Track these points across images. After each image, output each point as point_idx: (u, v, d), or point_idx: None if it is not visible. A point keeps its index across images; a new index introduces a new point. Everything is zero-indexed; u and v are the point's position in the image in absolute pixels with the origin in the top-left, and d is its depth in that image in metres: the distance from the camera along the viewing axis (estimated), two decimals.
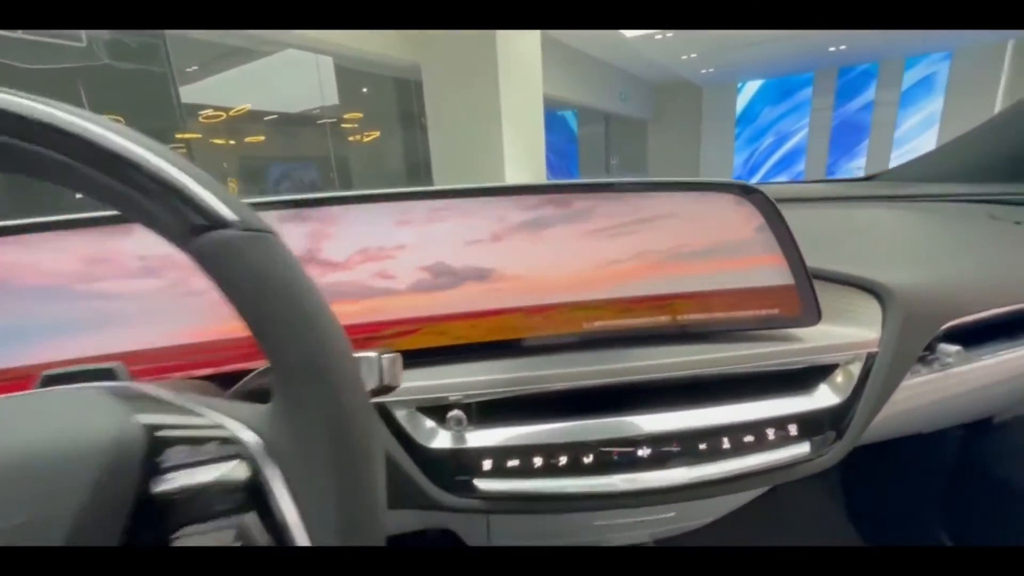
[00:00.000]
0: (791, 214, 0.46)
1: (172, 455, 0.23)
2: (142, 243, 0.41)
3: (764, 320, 0.47)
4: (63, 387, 0.28)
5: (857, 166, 8.99)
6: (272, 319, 0.23)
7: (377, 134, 6.66)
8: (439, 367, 0.45)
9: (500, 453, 0.44)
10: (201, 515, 0.24)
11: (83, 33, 4.00)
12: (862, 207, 0.83)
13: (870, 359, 0.47)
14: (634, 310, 0.47)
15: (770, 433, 0.45)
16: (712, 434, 0.45)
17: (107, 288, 0.41)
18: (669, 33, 6.24)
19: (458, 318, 0.46)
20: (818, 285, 0.47)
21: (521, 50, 4.05)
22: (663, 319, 0.47)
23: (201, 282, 0.23)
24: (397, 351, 0.44)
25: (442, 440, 0.44)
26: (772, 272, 0.46)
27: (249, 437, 0.24)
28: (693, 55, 7.51)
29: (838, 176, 8.98)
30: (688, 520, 0.59)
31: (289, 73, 5.83)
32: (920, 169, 0.94)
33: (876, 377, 0.47)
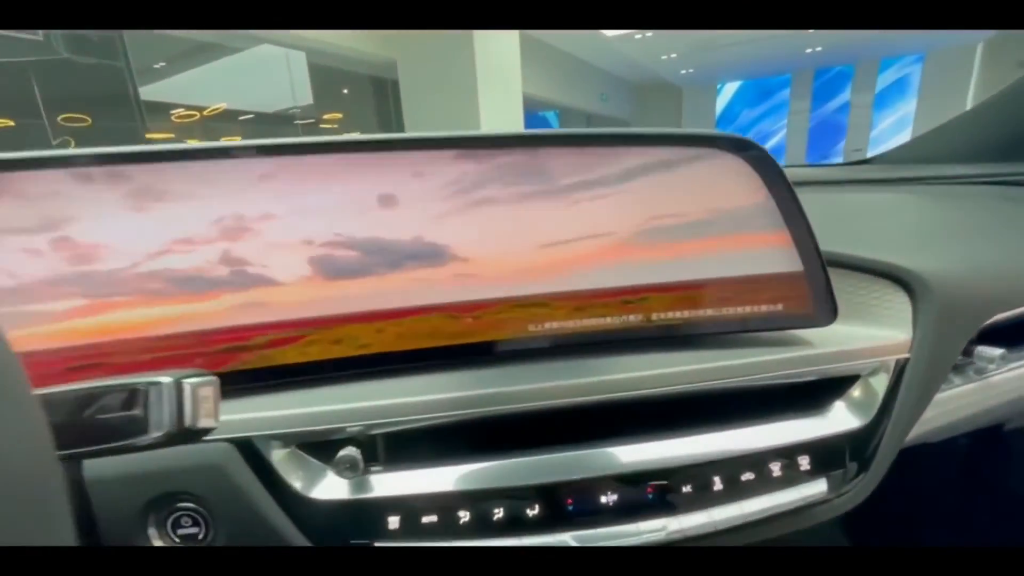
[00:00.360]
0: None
1: None
2: None
3: (765, 319, 0.36)
4: None
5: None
6: None
7: (357, 135, 6.49)
8: (331, 388, 0.33)
9: (413, 505, 0.32)
10: None
11: None
12: (862, 191, 0.73)
13: (899, 368, 0.37)
14: (595, 307, 0.35)
15: (774, 468, 0.34)
16: (697, 472, 0.33)
17: None
18: (649, 33, 6.21)
19: (359, 320, 0.34)
20: (832, 273, 0.36)
21: (499, 47, 3.95)
22: (633, 319, 0.35)
23: None
24: (263, 367, 0.32)
25: (333, 489, 0.32)
26: (775, 256, 0.35)
27: None
28: (673, 55, 7.50)
29: None
30: None
31: (261, 70, 5.66)
32: (920, 150, 0.85)
33: (908, 391, 0.36)
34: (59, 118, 4.25)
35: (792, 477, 0.34)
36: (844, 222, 0.56)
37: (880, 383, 0.36)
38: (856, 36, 6.95)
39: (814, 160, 9.29)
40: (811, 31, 6.55)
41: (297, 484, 0.31)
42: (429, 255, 0.33)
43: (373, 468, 0.33)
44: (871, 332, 0.37)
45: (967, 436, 0.71)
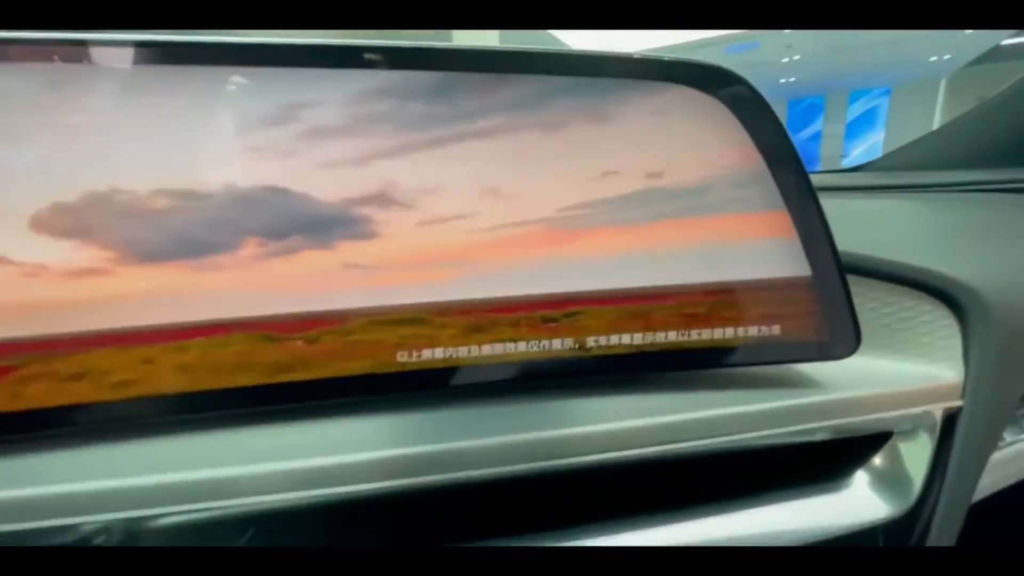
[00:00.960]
0: None
1: None
2: None
3: (754, 349, 0.24)
4: None
5: None
6: None
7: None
8: (64, 452, 0.20)
9: None
10: None
11: None
12: (854, 198, 0.64)
13: (949, 420, 0.25)
14: (499, 327, 0.23)
15: None
16: None
17: None
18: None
19: (113, 342, 0.21)
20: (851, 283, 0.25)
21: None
22: (557, 346, 0.23)
23: None
24: None
25: None
26: (768, 253, 0.23)
27: None
28: None
29: None
30: None
31: None
32: (913, 156, 0.76)
33: (962, 454, 0.24)
34: None
35: None
36: (848, 227, 0.45)
37: (922, 447, 0.25)
38: (826, 69, 7.20)
39: None
40: (785, 60, 6.75)
41: None
42: (253, 234, 0.21)
43: None
44: (906, 369, 0.25)
45: None
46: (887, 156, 0.79)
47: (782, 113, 9.28)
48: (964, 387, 0.25)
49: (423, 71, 0.21)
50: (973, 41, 6.00)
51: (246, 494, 0.19)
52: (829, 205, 0.24)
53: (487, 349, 0.23)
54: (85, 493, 0.18)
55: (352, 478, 0.20)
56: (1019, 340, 0.26)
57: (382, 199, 0.21)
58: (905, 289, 0.28)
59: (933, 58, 6.65)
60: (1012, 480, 0.31)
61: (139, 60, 0.19)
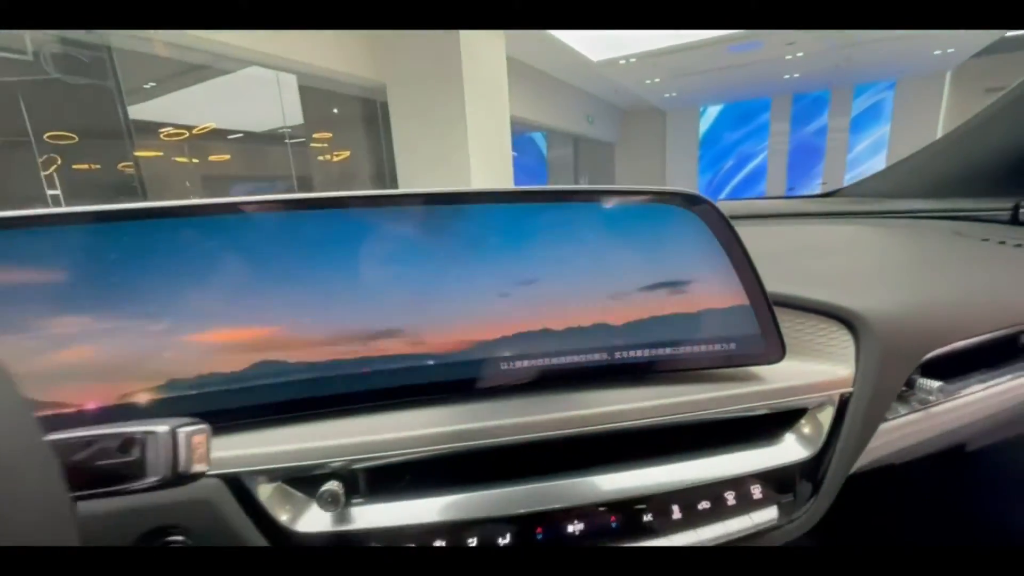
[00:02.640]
0: (748, 231, 0.39)
1: None
2: None
3: (718, 357, 0.39)
4: None
5: (815, 186, 9.36)
6: None
7: (346, 154, 6.55)
8: (314, 424, 0.35)
9: (398, 536, 0.34)
10: None
11: (29, 45, 3.83)
12: (823, 223, 0.78)
13: (844, 401, 0.40)
14: (560, 346, 0.38)
15: (728, 497, 0.37)
16: (656, 501, 0.36)
17: None
18: (632, 58, 6.39)
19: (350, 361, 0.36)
20: (781, 313, 0.40)
21: (486, 70, 4.04)
22: (595, 357, 0.38)
23: None
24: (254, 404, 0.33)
25: (316, 521, 0.34)
26: (725, 299, 0.39)
27: None
28: (657, 80, 7.71)
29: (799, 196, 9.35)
30: None
31: (252, 92, 5.71)
32: (881, 185, 0.91)
33: (852, 422, 0.39)
34: (45, 136, 4.24)
35: (745, 505, 0.37)
36: (802, 257, 0.60)
37: (826, 416, 0.40)
38: (830, 63, 7.22)
39: (794, 180, 9.53)
40: (788, 57, 6.81)
41: (283, 517, 0.33)
42: (421, 301, 0.36)
43: (355, 501, 0.35)
44: (817, 368, 0.40)
45: (930, 458, 0.74)
46: (858, 184, 0.93)
47: (787, 108, 9.32)
48: (855, 379, 0.40)
49: (532, 203, 0.36)
50: (978, 33, 6.03)
51: (407, 447, 0.34)
52: (798, 231, 0.38)
53: (551, 361, 0.38)
54: (327, 447, 0.34)
55: (470, 437, 0.35)
56: (891, 349, 0.41)
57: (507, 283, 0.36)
58: (819, 316, 0.43)
59: (938, 51, 6.68)
60: (904, 443, 0.45)
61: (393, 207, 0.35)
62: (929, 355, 0.44)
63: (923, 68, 7.46)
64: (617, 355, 0.38)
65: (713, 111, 10.06)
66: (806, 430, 0.40)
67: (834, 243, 0.67)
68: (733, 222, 0.38)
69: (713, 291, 0.38)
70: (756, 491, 0.37)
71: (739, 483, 0.37)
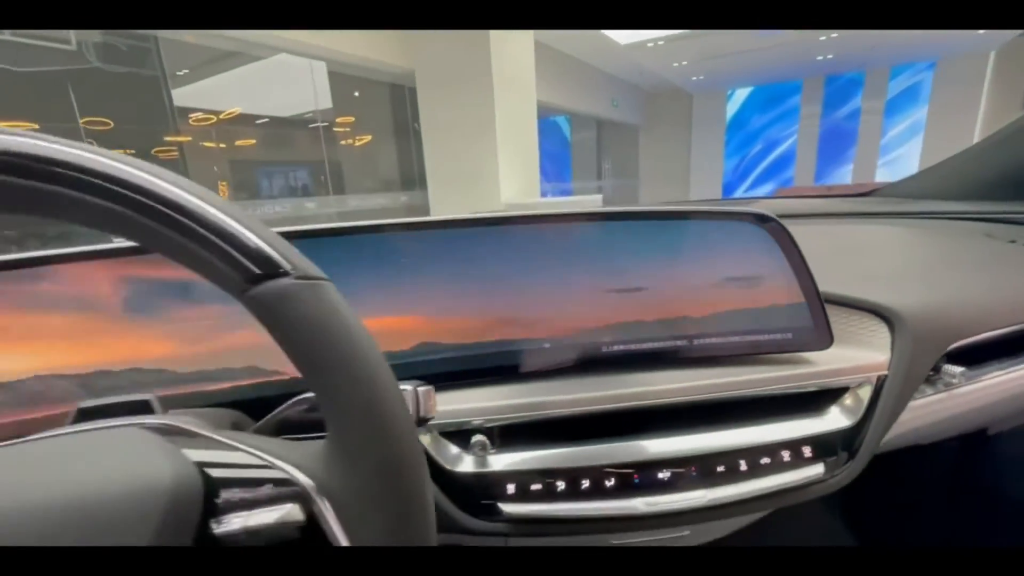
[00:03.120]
0: (795, 230, 0.48)
1: (228, 496, 0.24)
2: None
3: (778, 344, 0.49)
4: (106, 425, 0.28)
5: (846, 172, 9.15)
6: (327, 366, 0.23)
7: (369, 138, 6.64)
8: (459, 392, 0.46)
9: (523, 477, 0.44)
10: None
11: (72, 36, 3.97)
12: (862, 223, 0.85)
13: (880, 382, 0.49)
14: (652, 334, 0.48)
15: (784, 455, 0.47)
16: (728, 456, 0.46)
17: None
18: (660, 40, 6.30)
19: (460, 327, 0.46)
20: (829, 308, 0.49)
21: (515, 56, 4.07)
22: (680, 343, 0.48)
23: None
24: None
25: (466, 464, 0.44)
26: (786, 298, 0.48)
27: (304, 480, 0.24)
28: (684, 62, 7.59)
29: (827, 183, 9.12)
30: (701, 538, 0.60)
31: (282, 77, 5.82)
32: (918, 186, 0.97)
33: (886, 399, 0.48)
34: (82, 121, 4.44)
35: (797, 461, 0.47)
36: (845, 257, 0.68)
37: (865, 393, 0.49)
38: (867, 43, 6.99)
39: (824, 165, 9.32)
40: (823, 38, 6.62)
41: (443, 462, 0.44)
42: (530, 299, 0.46)
43: (493, 451, 0.45)
44: (858, 354, 0.49)
45: (957, 440, 0.82)
46: (894, 184, 1.00)
47: (818, 90, 9.07)
48: (889, 364, 0.49)
49: (622, 221, 0.46)
50: None
51: (534, 411, 0.44)
52: (839, 231, 0.47)
53: (646, 345, 0.48)
54: (476, 408, 0.44)
55: (577, 404, 0.45)
56: (920, 340, 0.49)
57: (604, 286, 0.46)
58: (862, 312, 0.52)
59: (982, 30, 6.44)
60: (929, 419, 0.54)
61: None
62: (954, 345, 0.52)
63: (965, 47, 7.17)
64: (696, 342, 0.48)
65: (741, 94, 9.86)
66: (848, 403, 0.49)
67: (872, 243, 0.75)
68: (787, 221, 0.47)
69: (775, 291, 0.48)
70: (807, 451, 0.47)
71: (793, 444, 0.47)
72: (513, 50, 4.02)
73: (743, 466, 0.46)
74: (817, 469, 0.47)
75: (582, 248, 0.47)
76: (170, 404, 0.36)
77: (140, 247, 0.26)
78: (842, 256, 0.69)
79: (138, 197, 0.22)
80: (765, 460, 0.46)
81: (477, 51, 3.80)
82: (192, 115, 5.37)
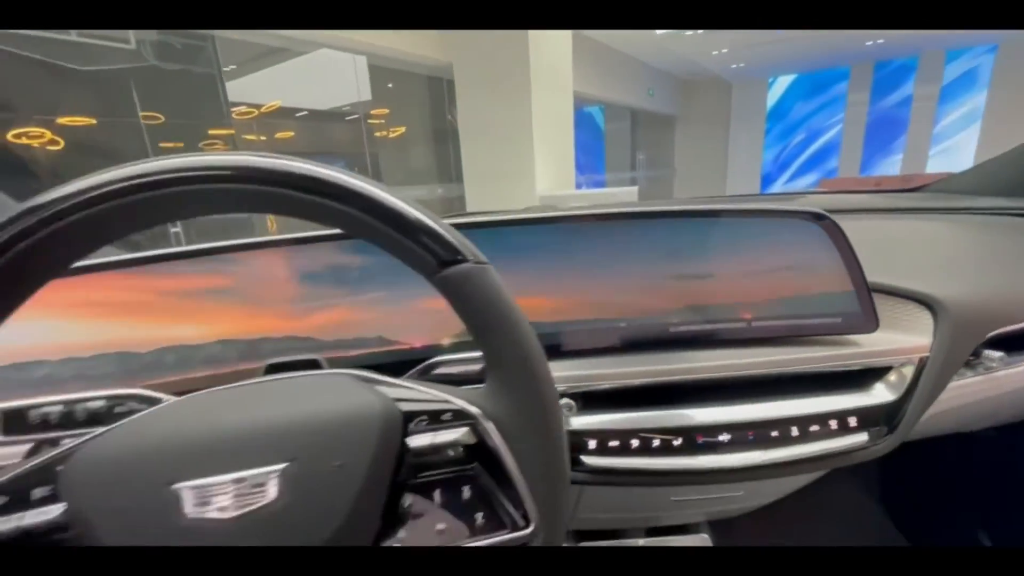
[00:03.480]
0: (845, 224, 0.54)
1: (419, 421, 0.33)
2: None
3: (828, 327, 0.55)
4: (322, 373, 0.37)
5: (893, 162, 8.78)
6: (495, 330, 0.32)
7: (403, 129, 6.77)
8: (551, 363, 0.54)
9: (602, 435, 0.52)
10: (441, 463, 0.33)
11: (132, 36, 4.19)
12: (910, 218, 0.89)
13: (922, 362, 0.55)
14: (714, 316, 0.55)
15: (832, 424, 0.53)
16: (782, 424, 0.53)
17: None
18: (700, 31, 6.19)
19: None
20: (877, 297, 0.55)
21: (553, 49, 4.10)
22: (739, 325, 0.55)
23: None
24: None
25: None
26: (836, 286, 0.54)
27: (474, 410, 0.33)
28: (724, 50, 7.42)
29: (874, 173, 8.76)
30: (753, 500, 0.67)
31: (325, 72, 5.99)
32: (970, 182, 0.99)
33: (927, 378, 0.54)
34: (140, 116, 4.73)
35: (844, 430, 0.53)
36: (892, 250, 0.73)
37: (908, 372, 0.55)
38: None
39: (871, 155, 8.96)
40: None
41: None
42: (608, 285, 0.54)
43: (578, 413, 0.53)
44: (902, 338, 0.55)
45: (996, 431, 0.86)
46: (942, 181, 1.02)
47: (867, 76, 8.70)
48: (931, 347, 0.55)
49: (682, 219, 0.53)
50: None
51: (613, 380, 0.52)
52: (888, 226, 0.53)
53: (711, 326, 0.55)
54: (564, 376, 0.52)
55: (650, 375, 0.52)
56: (960, 326, 0.55)
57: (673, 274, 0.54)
58: (908, 300, 0.58)
59: None
60: (967, 400, 0.59)
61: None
62: (994, 332, 0.57)
63: None
64: (753, 323, 0.55)
65: (783, 82, 9.55)
66: (892, 380, 0.55)
67: (920, 237, 0.80)
68: (835, 216, 0.53)
69: (827, 280, 0.54)
70: (852, 421, 0.53)
71: (840, 415, 0.53)
72: (551, 42, 4.05)
73: (794, 432, 0.52)
74: (861, 437, 0.53)
75: (650, 241, 0.54)
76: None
77: (345, 234, 0.34)
78: (891, 249, 0.74)
79: (367, 202, 0.30)
80: (815, 428, 0.53)
81: (515, 44, 3.84)
82: (235, 109, 5.60)
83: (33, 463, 0.29)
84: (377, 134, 6.60)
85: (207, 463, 0.28)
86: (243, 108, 5.53)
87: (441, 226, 0.31)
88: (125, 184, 0.26)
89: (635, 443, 0.52)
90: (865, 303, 0.54)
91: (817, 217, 0.53)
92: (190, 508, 0.27)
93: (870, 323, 0.55)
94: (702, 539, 0.78)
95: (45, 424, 0.40)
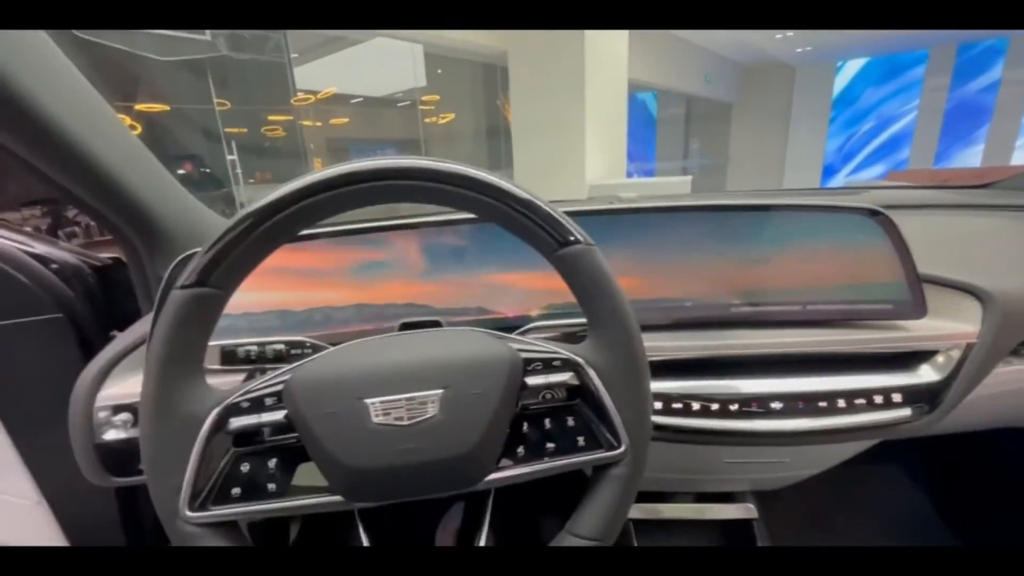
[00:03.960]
0: (902, 220, 0.59)
1: (535, 366, 0.43)
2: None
3: (881, 312, 0.61)
4: (463, 328, 0.47)
5: (974, 154, 8.14)
6: (601, 298, 0.41)
7: (452, 116, 6.88)
8: None
9: (667, 398, 0.61)
10: (554, 397, 0.43)
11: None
12: (975, 215, 0.91)
13: (968, 348, 0.60)
14: (772, 299, 0.62)
15: (878, 398, 0.60)
16: (831, 396, 0.60)
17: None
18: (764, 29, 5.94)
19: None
20: (930, 288, 0.60)
21: (609, 39, 4.08)
22: (795, 308, 0.62)
23: None
24: None
25: None
26: (889, 276, 0.60)
27: (579, 359, 0.42)
28: (789, 34, 7.08)
29: (950, 165, 8.15)
30: (798, 469, 0.74)
31: (385, 60, 6.15)
32: None
33: (972, 362, 0.60)
34: (215, 102, 5.06)
35: (890, 404, 0.59)
36: (950, 245, 0.77)
37: (955, 355, 0.60)
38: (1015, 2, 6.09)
39: (948, 145, 8.34)
40: None
41: None
42: (679, 269, 0.62)
43: None
44: (951, 325, 0.61)
45: None
46: (1010, 179, 1.02)
47: (948, 60, 8.06)
48: (979, 334, 0.60)
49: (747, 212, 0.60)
50: None
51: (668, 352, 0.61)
52: (950, 222, 0.59)
53: (772, 308, 0.62)
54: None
55: (715, 349, 0.60)
56: (1007, 317, 0.59)
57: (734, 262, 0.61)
58: (957, 291, 0.63)
59: None
60: (1011, 386, 0.64)
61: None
62: None
63: None
64: (809, 307, 0.62)
65: (852, 66, 9.00)
66: (939, 362, 0.60)
67: (979, 233, 0.82)
68: (896, 212, 0.58)
69: (881, 270, 0.60)
70: (896, 397, 0.59)
71: (885, 391, 0.59)
72: (607, 32, 4.03)
73: (841, 403, 0.59)
74: (904, 412, 0.59)
75: (712, 230, 0.62)
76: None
77: (477, 217, 0.43)
78: (948, 244, 0.77)
79: (507, 195, 0.40)
80: (860, 401, 0.59)
81: (571, 32, 3.85)
82: (294, 96, 5.84)
83: (263, 382, 0.41)
84: (427, 120, 6.74)
85: (387, 386, 0.39)
86: (300, 95, 5.78)
87: (560, 215, 0.41)
88: (361, 174, 0.36)
89: (696, 406, 0.61)
90: (916, 291, 0.60)
91: (873, 213, 0.59)
92: (375, 416, 0.38)
93: (919, 310, 0.60)
94: (747, 509, 0.85)
95: (247, 359, 0.53)
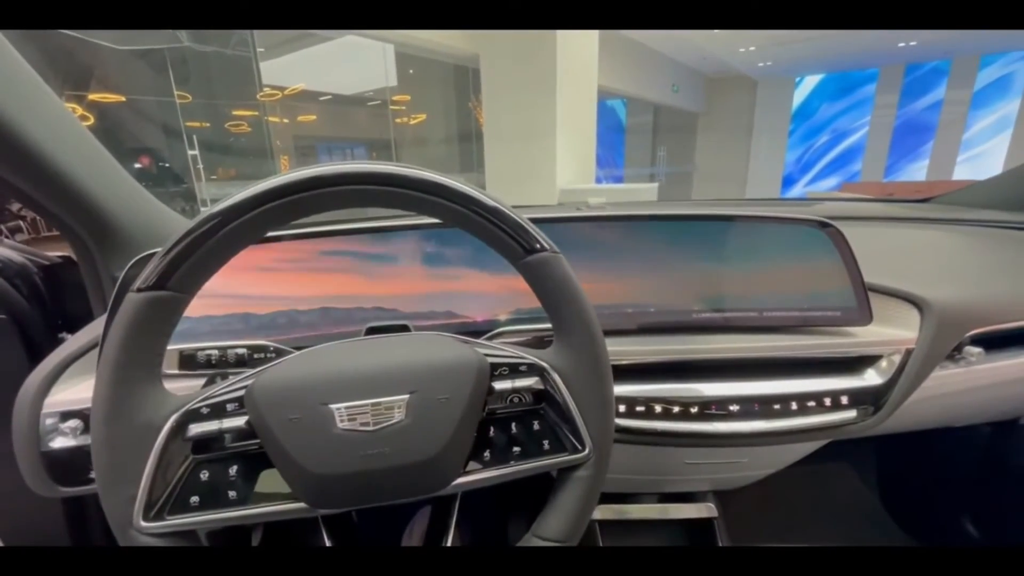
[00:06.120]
0: (852, 231, 0.63)
1: (501, 371, 0.43)
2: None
3: (828, 319, 0.65)
4: (430, 333, 0.47)
5: (919, 168, 8.65)
6: (565, 304, 0.42)
7: (423, 117, 6.83)
8: None
9: (629, 401, 0.63)
10: (520, 401, 0.44)
11: None
12: (918, 228, 0.97)
13: (908, 353, 0.64)
14: (728, 306, 0.65)
15: (827, 401, 0.63)
16: (784, 398, 0.63)
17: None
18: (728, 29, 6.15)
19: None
20: (874, 296, 0.64)
21: (580, 43, 4.14)
22: (752, 314, 0.65)
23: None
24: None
25: None
26: (837, 284, 0.64)
27: (545, 364, 0.43)
28: (752, 48, 7.37)
29: (898, 179, 8.64)
30: (756, 469, 0.77)
31: (351, 57, 6.05)
32: (977, 195, 1.06)
33: (911, 366, 0.64)
34: (176, 95, 4.88)
35: (837, 406, 0.63)
36: (892, 256, 0.82)
37: (896, 359, 0.64)
38: (957, 30, 6.53)
39: (896, 159, 8.84)
40: None
41: None
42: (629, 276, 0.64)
43: None
44: (893, 331, 0.65)
45: (990, 426, 0.94)
46: (952, 194, 1.10)
47: (897, 79, 8.54)
48: (917, 340, 0.64)
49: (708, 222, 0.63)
50: None
51: (639, 356, 0.63)
52: (895, 234, 0.63)
53: (725, 315, 0.65)
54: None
55: (672, 353, 0.63)
56: (943, 324, 0.64)
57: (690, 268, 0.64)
58: (899, 299, 0.67)
59: None
60: (948, 389, 0.68)
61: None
62: (977, 331, 0.66)
63: None
64: (764, 313, 0.65)
65: (811, 81, 9.43)
66: (882, 366, 0.64)
67: (920, 244, 0.88)
68: (840, 223, 0.62)
69: (830, 279, 0.63)
70: (844, 399, 0.63)
71: (834, 394, 0.63)
72: (579, 35, 4.08)
73: (794, 406, 0.62)
74: (851, 414, 0.63)
75: (674, 237, 0.64)
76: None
77: (444, 223, 0.43)
78: (891, 255, 0.82)
79: (475, 203, 0.40)
80: (811, 403, 0.62)
81: (543, 36, 3.88)
82: (259, 93, 5.69)
83: (224, 387, 0.40)
84: (398, 120, 6.67)
85: (353, 391, 0.39)
86: (267, 90, 5.64)
87: (526, 223, 0.42)
88: (322, 179, 0.36)
89: (658, 409, 0.63)
90: (861, 300, 0.63)
91: (823, 225, 0.62)
92: (340, 422, 0.38)
93: (865, 317, 0.64)
94: (708, 508, 0.88)
95: (207, 363, 0.51)
